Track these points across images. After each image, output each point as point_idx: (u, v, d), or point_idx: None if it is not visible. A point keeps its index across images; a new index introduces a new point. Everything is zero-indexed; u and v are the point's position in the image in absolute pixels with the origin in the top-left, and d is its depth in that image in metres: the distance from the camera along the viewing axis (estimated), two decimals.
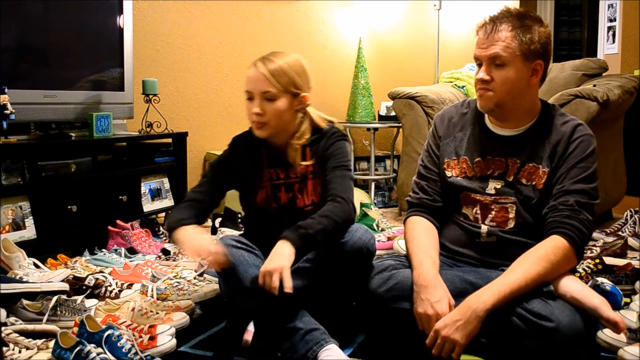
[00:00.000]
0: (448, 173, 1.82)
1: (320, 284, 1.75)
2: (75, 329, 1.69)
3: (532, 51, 1.66)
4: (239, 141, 1.93)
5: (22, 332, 1.69)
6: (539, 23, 1.69)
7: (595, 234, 2.92)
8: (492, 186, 1.75)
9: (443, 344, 1.53)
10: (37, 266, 2.27)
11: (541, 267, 1.57)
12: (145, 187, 3.22)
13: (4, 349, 1.59)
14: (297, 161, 1.83)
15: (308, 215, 1.70)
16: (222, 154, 1.93)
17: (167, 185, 3.40)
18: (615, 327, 1.50)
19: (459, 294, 1.61)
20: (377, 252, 2.69)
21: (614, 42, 4.36)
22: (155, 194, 3.30)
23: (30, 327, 1.73)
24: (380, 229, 3.15)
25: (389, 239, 2.84)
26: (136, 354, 1.54)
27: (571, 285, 1.59)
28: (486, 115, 1.81)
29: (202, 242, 1.66)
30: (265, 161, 1.86)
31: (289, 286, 1.51)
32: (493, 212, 1.75)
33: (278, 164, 1.85)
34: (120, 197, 3.00)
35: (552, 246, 1.60)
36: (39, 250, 2.44)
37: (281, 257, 1.55)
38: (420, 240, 1.76)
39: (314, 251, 1.75)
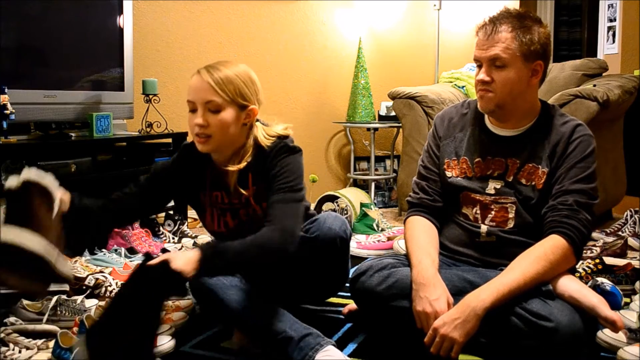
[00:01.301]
0: (448, 173, 1.82)
1: (299, 283, 1.74)
2: (75, 329, 1.69)
3: (532, 52, 1.66)
4: (188, 150, 1.75)
5: (22, 332, 1.70)
6: (539, 23, 1.69)
7: (595, 234, 2.92)
8: (492, 186, 1.75)
9: (442, 342, 1.53)
10: None
11: (540, 266, 1.57)
12: None
13: (4, 349, 1.59)
14: (235, 187, 1.68)
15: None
16: (172, 158, 1.79)
17: None
18: (614, 326, 1.50)
19: (458, 292, 1.61)
20: (377, 252, 2.71)
21: (614, 42, 4.36)
22: None
23: (30, 327, 1.73)
24: (380, 229, 3.15)
25: (389, 239, 2.85)
26: None
27: (569, 285, 1.59)
28: (486, 116, 1.81)
29: None
30: (209, 183, 1.73)
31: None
32: (493, 212, 1.75)
33: (222, 187, 1.71)
34: None
35: (551, 245, 1.60)
36: None
37: (183, 257, 1.42)
38: (419, 239, 1.76)
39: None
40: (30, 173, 1.44)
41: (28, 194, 1.42)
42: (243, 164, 1.66)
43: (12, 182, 1.42)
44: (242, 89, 1.62)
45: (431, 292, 1.59)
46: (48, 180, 1.47)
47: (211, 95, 1.59)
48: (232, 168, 1.66)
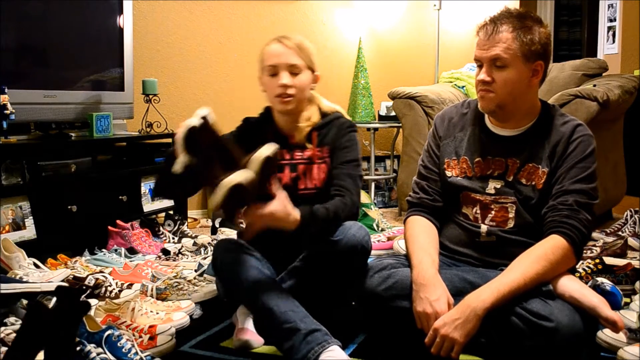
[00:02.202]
0: (448, 173, 1.82)
1: (316, 283, 1.75)
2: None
3: (533, 52, 1.66)
4: (249, 121, 1.95)
5: None
6: (539, 23, 1.69)
7: (595, 234, 2.92)
8: (492, 186, 1.75)
9: (442, 342, 1.53)
10: (37, 266, 2.28)
11: (540, 266, 1.57)
12: (145, 187, 3.22)
13: (4, 349, 1.59)
14: (304, 142, 1.84)
15: (307, 202, 1.71)
16: (232, 132, 1.92)
17: None
18: (614, 326, 1.50)
19: (458, 293, 1.61)
20: (377, 252, 2.70)
21: (614, 42, 4.36)
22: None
23: None
24: (380, 229, 3.15)
25: (389, 239, 2.85)
26: (136, 354, 1.54)
27: (570, 285, 1.59)
28: (486, 116, 1.81)
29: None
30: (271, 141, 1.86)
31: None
32: (493, 212, 1.75)
33: (284, 146, 1.83)
34: (120, 197, 3.00)
35: (551, 245, 1.60)
36: (39, 250, 2.44)
37: (288, 217, 1.60)
38: (420, 239, 1.76)
39: (308, 250, 1.75)
40: (202, 112, 1.57)
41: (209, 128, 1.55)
42: (312, 123, 1.86)
43: (193, 121, 1.53)
44: (312, 56, 1.85)
45: (431, 292, 1.59)
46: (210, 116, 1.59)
47: (294, 59, 1.80)
48: (304, 124, 1.85)
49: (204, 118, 1.54)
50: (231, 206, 1.52)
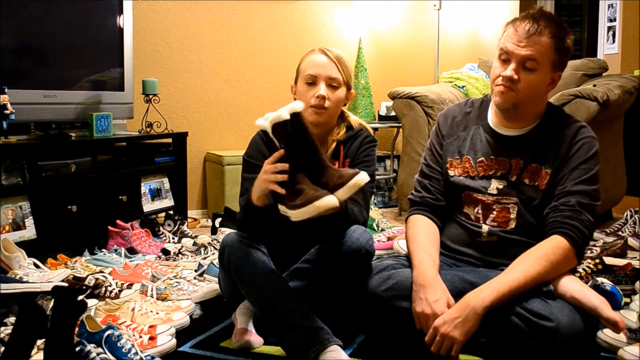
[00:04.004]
0: (450, 172, 1.82)
1: (320, 285, 1.75)
2: (76, 329, 1.68)
3: (560, 62, 1.67)
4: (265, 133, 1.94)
5: None
6: (569, 34, 1.67)
7: (595, 234, 2.92)
8: (495, 186, 1.75)
9: (442, 341, 1.53)
10: (37, 266, 2.27)
11: (541, 266, 1.57)
12: (145, 187, 3.22)
13: (4, 349, 1.59)
14: (329, 156, 1.84)
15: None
16: (251, 143, 1.90)
17: (167, 185, 3.40)
18: (615, 326, 1.50)
19: (458, 293, 1.61)
20: (377, 252, 2.70)
21: (614, 42, 4.36)
22: (155, 194, 3.30)
23: None
24: (380, 229, 3.15)
25: (389, 239, 2.84)
26: (136, 354, 1.54)
27: (571, 285, 1.58)
28: (490, 115, 1.80)
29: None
30: None
31: None
32: (494, 212, 1.74)
33: None
34: (120, 197, 3.00)
35: (553, 246, 1.60)
36: (39, 250, 2.44)
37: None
38: (421, 239, 1.76)
39: (312, 252, 1.75)
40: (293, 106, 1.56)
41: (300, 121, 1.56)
42: (340, 136, 1.87)
43: (284, 113, 1.53)
44: (350, 73, 1.87)
45: (431, 293, 1.59)
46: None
47: (334, 73, 1.82)
48: (333, 138, 1.86)
49: (295, 115, 1.54)
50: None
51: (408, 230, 1.83)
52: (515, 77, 1.65)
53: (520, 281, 1.55)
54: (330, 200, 1.47)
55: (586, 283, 1.83)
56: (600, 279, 1.94)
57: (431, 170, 1.87)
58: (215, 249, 2.63)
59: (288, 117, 1.53)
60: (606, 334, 1.64)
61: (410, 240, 1.79)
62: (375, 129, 4.06)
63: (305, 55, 1.89)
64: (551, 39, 1.62)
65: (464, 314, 1.53)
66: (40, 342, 1.66)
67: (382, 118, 4.22)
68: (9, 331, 1.66)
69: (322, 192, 1.49)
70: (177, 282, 2.14)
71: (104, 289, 2.07)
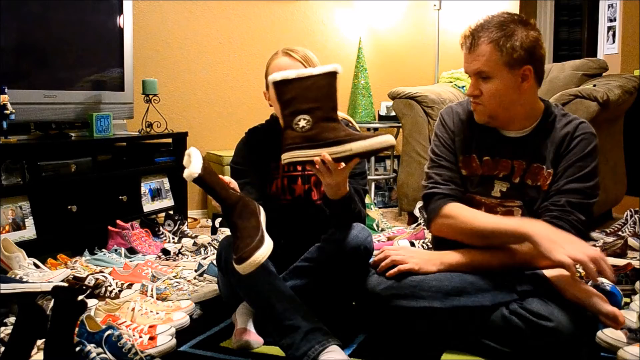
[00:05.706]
0: (462, 172, 1.81)
1: (319, 283, 1.75)
2: (76, 329, 1.68)
3: (516, 59, 1.62)
4: (256, 130, 1.96)
5: None
6: (524, 26, 1.63)
7: (595, 234, 2.92)
8: (498, 189, 1.74)
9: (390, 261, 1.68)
10: (37, 266, 2.27)
11: (514, 253, 1.63)
12: (145, 187, 3.22)
13: (4, 348, 1.59)
14: None
15: (321, 210, 1.74)
16: (236, 150, 1.92)
17: (167, 185, 3.40)
18: (615, 321, 1.50)
19: (459, 293, 1.61)
20: (377, 252, 2.69)
21: (614, 42, 4.36)
22: (155, 194, 3.30)
23: None
24: (380, 229, 3.15)
25: (389, 239, 2.85)
26: (136, 354, 1.54)
27: (569, 282, 1.58)
28: None
29: None
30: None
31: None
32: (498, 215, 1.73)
33: None
34: (120, 197, 3.00)
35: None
36: (39, 250, 2.44)
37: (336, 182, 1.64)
38: (482, 214, 1.73)
39: (312, 250, 1.75)
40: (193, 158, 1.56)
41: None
42: None
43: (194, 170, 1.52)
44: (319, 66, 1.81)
45: (566, 239, 1.54)
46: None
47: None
48: None
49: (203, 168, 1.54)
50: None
51: (459, 216, 1.71)
52: (477, 92, 1.67)
53: (486, 257, 1.65)
54: (264, 252, 1.51)
55: (586, 283, 1.83)
56: (600, 279, 1.94)
57: (451, 164, 1.80)
58: (215, 249, 2.63)
59: (197, 174, 1.52)
60: (606, 334, 1.64)
61: (475, 219, 1.69)
62: (375, 129, 4.06)
63: (270, 60, 1.84)
64: (489, 43, 1.61)
65: (428, 256, 1.69)
66: (40, 342, 1.66)
67: (382, 118, 4.22)
68: (9, 331, 1.66)
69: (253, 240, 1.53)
70: (177, 282, 2.15)
71: (104, 289, 2.07)
